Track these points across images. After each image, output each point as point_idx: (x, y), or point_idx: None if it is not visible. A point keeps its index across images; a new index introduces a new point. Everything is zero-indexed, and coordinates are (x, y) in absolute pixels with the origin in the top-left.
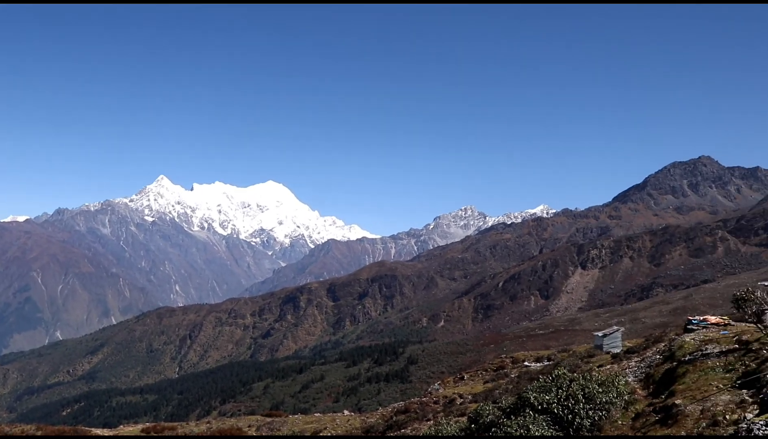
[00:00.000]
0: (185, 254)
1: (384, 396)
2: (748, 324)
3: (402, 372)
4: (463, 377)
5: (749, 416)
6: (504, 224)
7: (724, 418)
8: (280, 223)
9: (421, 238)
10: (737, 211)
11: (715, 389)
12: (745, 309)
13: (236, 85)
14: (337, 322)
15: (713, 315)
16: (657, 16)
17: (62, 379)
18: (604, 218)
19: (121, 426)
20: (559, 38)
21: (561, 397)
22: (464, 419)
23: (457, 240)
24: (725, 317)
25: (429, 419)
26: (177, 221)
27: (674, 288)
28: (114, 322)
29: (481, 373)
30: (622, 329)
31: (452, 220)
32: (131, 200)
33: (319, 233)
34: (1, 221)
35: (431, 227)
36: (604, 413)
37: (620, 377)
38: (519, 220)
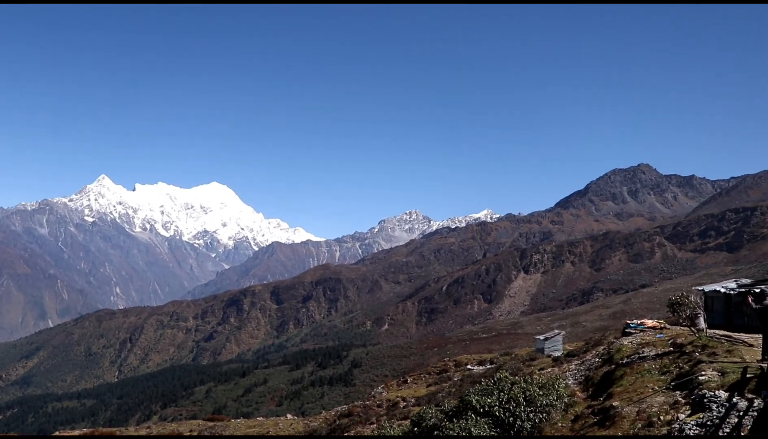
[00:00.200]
0: (126, 256)
1: (327, 400)
2: (682, 328)
3: (346, 376)
4: (407, 380)
5: (682, 416)
6: (448, 228)
7: (659, 419)
8: (224, 225)
9: (366, 241)
10: (674, 218)
11: (650, 390)
12: (680, 313)
13: (180, 85)
14: (280, 325)
15: (650, 319)
16: (597, 18)
17: None
18: (546, 223)
19: (57, 432)
20: (493, 41)
21: (502, 400)
22: (407, 422)
23: (401, 244)
24: (661, 321)
25: (372, 423)
26: (118, 221)
27: (614, 292)
28: (51, 325)
29: (425, 376)
30: (563, 332)
31: (397, 224)
32: (71, 200)
33: (263, 235)
34: None
35: (376, 230)
36: (544, 415)
37: (561, 380)
38: (463, 224)
